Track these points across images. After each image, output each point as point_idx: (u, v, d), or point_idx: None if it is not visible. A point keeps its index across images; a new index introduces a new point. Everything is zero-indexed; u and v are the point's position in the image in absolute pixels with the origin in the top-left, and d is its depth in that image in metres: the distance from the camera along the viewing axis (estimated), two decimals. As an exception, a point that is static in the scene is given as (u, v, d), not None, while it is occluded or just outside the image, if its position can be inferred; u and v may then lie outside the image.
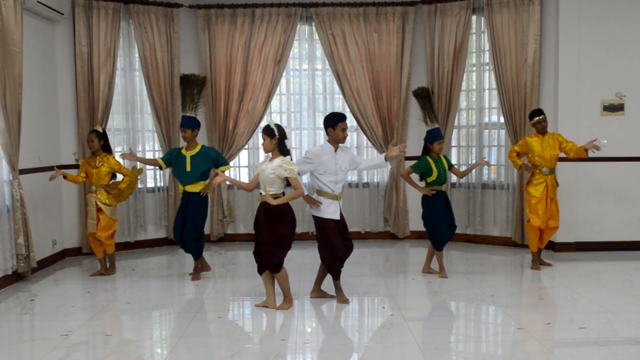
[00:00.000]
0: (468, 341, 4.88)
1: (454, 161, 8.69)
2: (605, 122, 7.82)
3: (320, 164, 5.59)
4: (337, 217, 5.63)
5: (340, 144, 5.70)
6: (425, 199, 6.68)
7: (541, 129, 6.88)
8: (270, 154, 5.43)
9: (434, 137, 6.60)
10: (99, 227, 6.76)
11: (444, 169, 6.63)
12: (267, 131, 5.35)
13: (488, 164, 7.38)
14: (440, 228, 6.61)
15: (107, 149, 6.86)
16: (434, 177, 6.57)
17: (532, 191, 6.90)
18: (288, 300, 5.59)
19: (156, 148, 8.64)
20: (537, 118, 6.88)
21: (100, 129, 6.90)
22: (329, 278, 5.88)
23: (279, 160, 5.31)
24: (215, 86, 8.62)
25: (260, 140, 8.91)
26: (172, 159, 6.72)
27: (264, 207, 5.37)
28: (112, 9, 7.95)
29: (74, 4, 7.77)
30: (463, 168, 8.51)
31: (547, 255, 7.54)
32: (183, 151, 6.66)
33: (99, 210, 6.77)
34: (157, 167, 7.24)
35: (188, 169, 6.55)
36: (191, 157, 6.57)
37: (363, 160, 6.09)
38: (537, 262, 7.03)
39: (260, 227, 5.43)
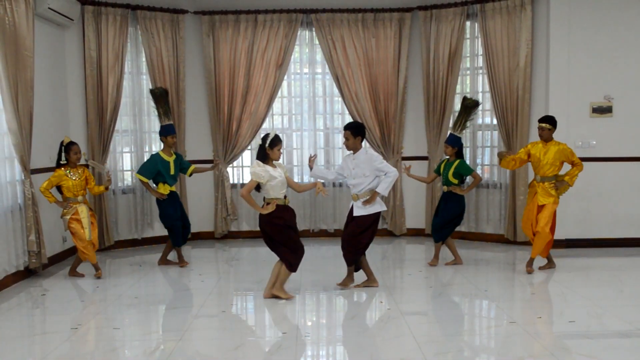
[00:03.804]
0: (462, 334, 4.94)
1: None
2: (594, 123, 7.97)
3: (344, 167, 6.15)
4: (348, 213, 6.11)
5: (366, 150, 6.19)
6: None
7: (539, 135, 6.71)
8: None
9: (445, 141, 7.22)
10: (94, 234, 6.75)
11: (447, 172, 7.04)
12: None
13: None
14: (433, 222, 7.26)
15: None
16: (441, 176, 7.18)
17: (527, 197, 6.91)
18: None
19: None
20: (539, 124, 6.68)
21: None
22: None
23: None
24: (219, 89, 8.74)
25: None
26: (157, 168, 7.08)
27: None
28: (120, 15, 8.09)
29: (84, 10, 7.90)
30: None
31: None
32: (166, 157, 7.13)
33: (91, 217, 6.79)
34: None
35: (172, 172, 7.14)
36: (174, 161, 7.17)
37: (387, 172, 6.03)
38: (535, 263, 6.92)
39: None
